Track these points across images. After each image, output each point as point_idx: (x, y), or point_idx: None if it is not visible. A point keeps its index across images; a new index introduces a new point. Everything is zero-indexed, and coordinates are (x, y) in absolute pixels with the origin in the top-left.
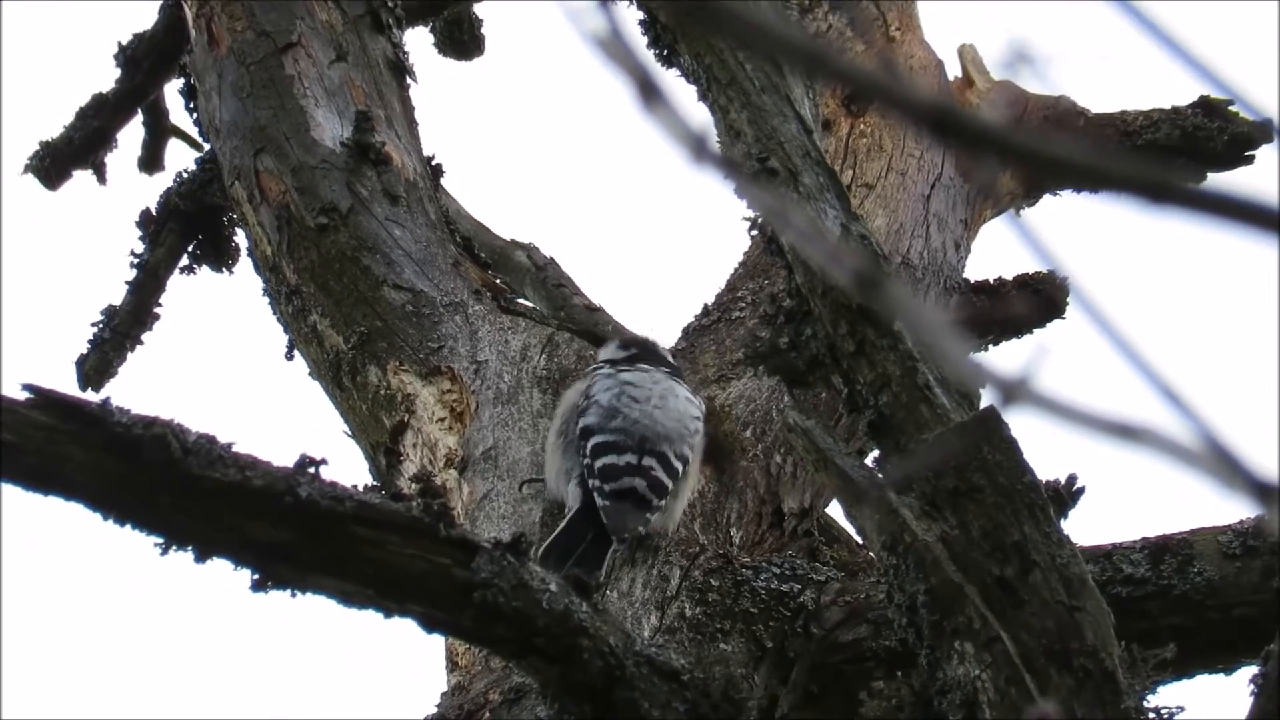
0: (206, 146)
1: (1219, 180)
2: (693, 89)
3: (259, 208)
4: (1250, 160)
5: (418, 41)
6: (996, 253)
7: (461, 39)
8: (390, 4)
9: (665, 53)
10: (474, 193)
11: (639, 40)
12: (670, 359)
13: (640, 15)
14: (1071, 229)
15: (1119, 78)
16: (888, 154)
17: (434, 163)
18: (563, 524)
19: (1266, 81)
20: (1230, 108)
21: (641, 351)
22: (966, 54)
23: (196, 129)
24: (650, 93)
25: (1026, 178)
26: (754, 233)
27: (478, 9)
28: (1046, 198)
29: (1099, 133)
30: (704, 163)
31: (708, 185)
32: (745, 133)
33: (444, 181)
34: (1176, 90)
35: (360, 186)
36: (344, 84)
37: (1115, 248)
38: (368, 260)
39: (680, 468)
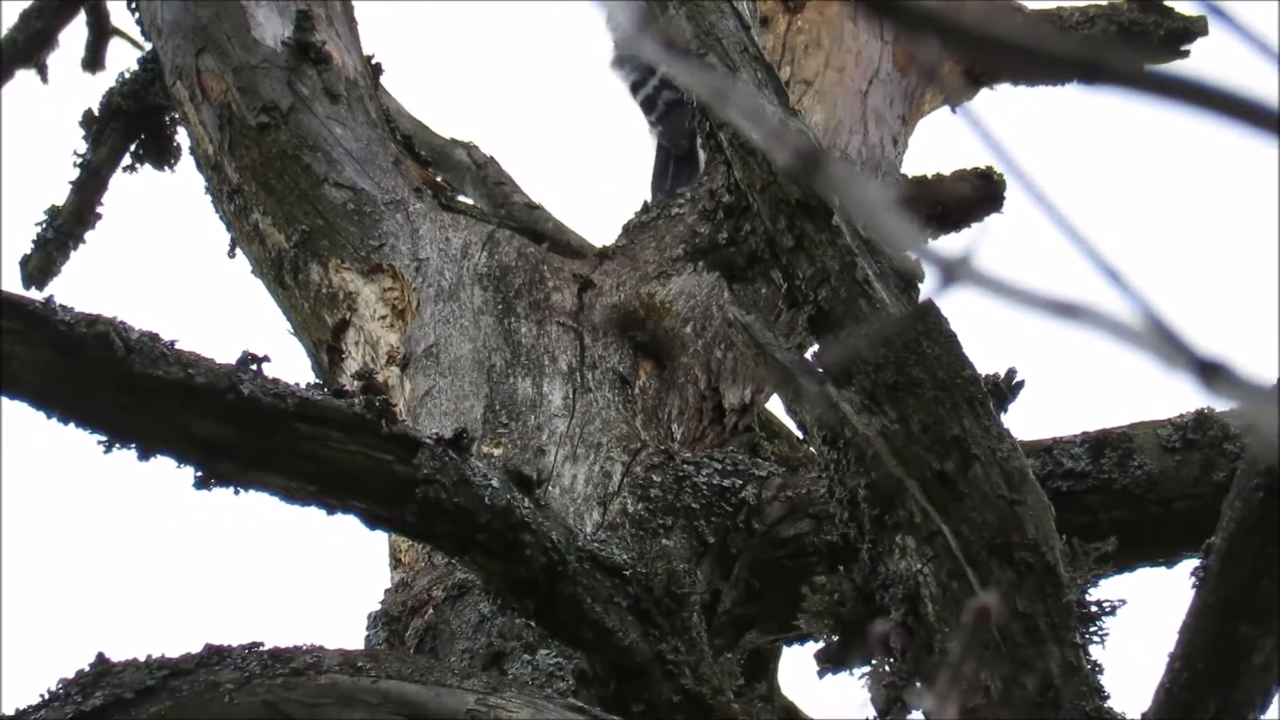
0: (148, 46)
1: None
2: None
3: (200, 107)
4: (1186, 54)
5: None
6: (935, 149)
7: None
8: None
9: None
10: (413, 91)
11: None
12: None
13: None
14: (1010, 123)
15: None
16: (825, 50)
17: (374, 61)
18: None
19: None
20: (1166, 2)
21: None
22: None
23: (139, 29)
24: None
25: (964, 69)
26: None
27: None
28: (984, 92)
29: (1035, 27)
30: (646, 40)
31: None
32: (683, 28)
33: (383, 80)
34: None
35: (301, 85)
36: None
37: (1052, 143)
38: (309, 158)
39: None
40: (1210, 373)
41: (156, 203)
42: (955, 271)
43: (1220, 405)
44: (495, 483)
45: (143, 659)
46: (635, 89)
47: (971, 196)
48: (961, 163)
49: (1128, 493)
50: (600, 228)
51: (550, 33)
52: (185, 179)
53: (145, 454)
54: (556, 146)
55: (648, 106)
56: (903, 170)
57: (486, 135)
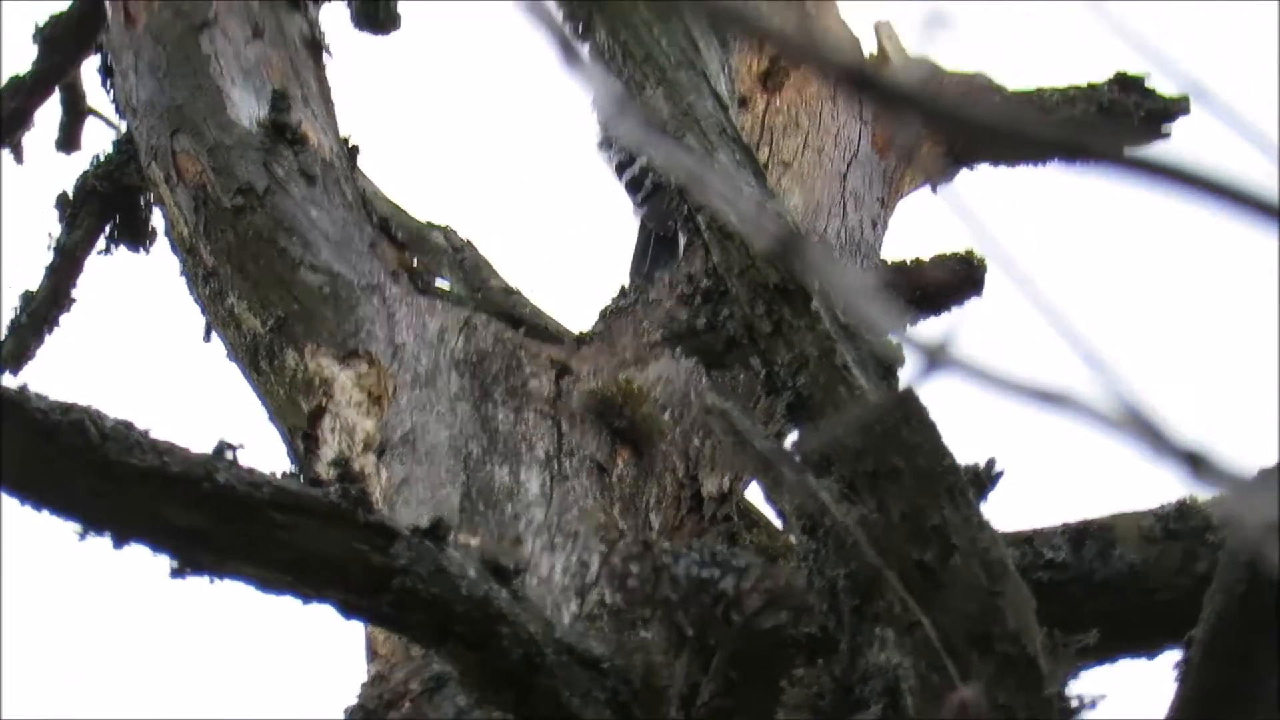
0: (123, 127)
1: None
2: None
3: (176, 188)
4: (1168, 135)
5: (333, 17)
6: (915, 231)
7: (377, 13)
8: None
9: (579, 28)
10: (391, 173)
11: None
12: None
13: None
14: (989, 206)
15: (1036, 54)
16: (804, 131)
17: (350, 143)
18: None
19: (1184, 52)
20: (1146, 82)
21: None
22: (883, 30)
23: (114, 109)
24: (572, 51)
25: (943, 154)
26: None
27: None
28: (964, 172)
29: (1015, 109)
30: (626, 121)
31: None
32: (661, 109)
33: (360, 161)
34: (1093, 66)
35: (277, 166)
36: (260, 62)
37: (1032, 225)
38: (285, 241)
39: None
40: (1192, 462)
41: (132, 285)
42: (936, 358)
43: (1202, 495)
44: (472, 573)
45: None
46: (621, 169)
47: (952, 280)
48: (942, 245)
49: (1109, 584)
50: (578, 312)
51: (531, 115)
52: (161, 261)
53: (120, 541)
54: (534, 230)
55: (633, 187)
56: (882, 253)
57: (464, 217)
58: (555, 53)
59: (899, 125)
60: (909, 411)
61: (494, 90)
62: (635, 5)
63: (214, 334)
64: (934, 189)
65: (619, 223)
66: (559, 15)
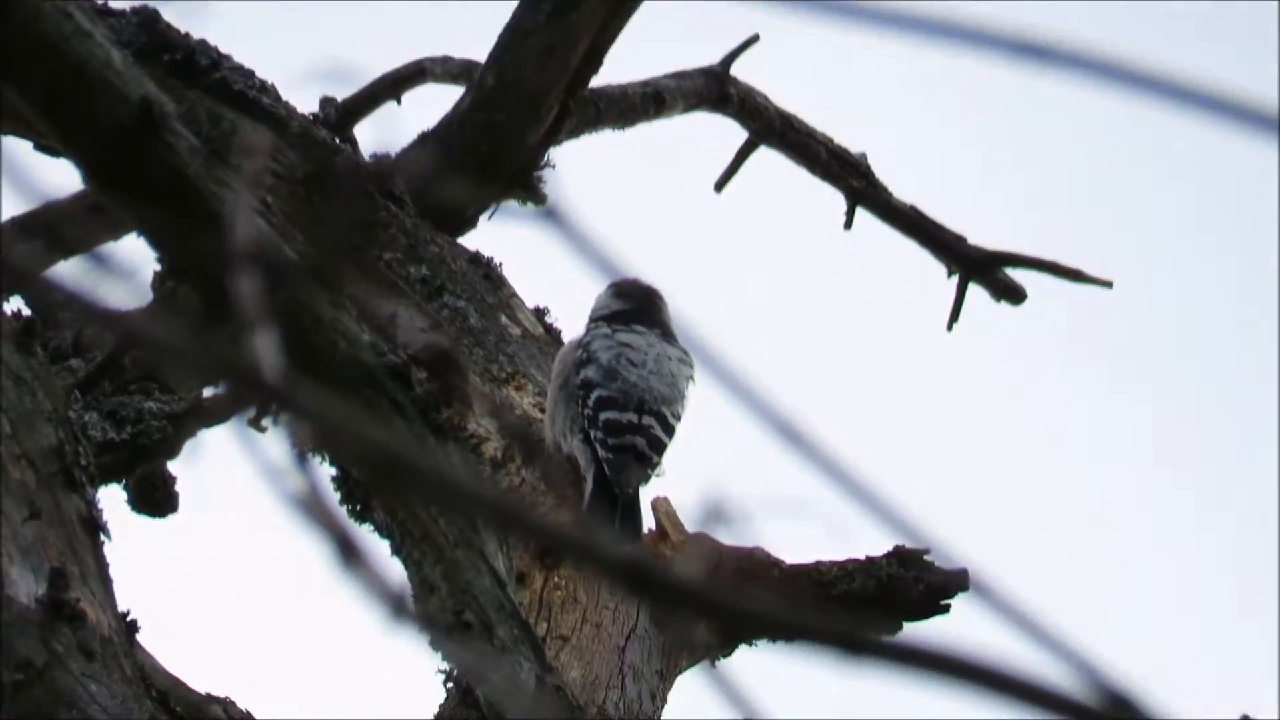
0: None
1: (915, 630)
2: (386, 544)
3: None
4: (946, 609)
5: (112, 499)
6: (694, 703)
7: (155, 496)
8: (83, 462)
9: (358, 508)
10: (170, 648)
11: (334, 496)
12: (664, 316)
13: (332, 470)
14: (769, 679)
15: (815, 532)
16: (582, 606)
17: (129, 618)
18: (590, 489)
19: (961, 528)
20: (925, 557)
21: (637, 308)
22: (660, 507)
23: None
24: (349, 551)
25: (722, 629)
26: (449, 685)
27: (171, 467)
28: (743, 648)
29: (794, 584)
30: (402, 620)
31: (404, 641)
32: (440, 587)
33: (140, 637)
34: (873, 541)
35: (55, 643)
36: (38, 541)
37: (814, 698)
38: (64, 716)
39: (675, 426)
40: None
41: None
42: None
43: None
44: None
45: None
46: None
47: None
48: (721, 717)
49: None
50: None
51: (313, 591)
52: None
53: None
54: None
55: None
56: None
57: (244, 690)
58: (331, 552)
59: (674, 616)
60: None
61: (274, 567)
62: (413, 488)
63: None
64: (712, 664)
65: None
66: (337, 513)
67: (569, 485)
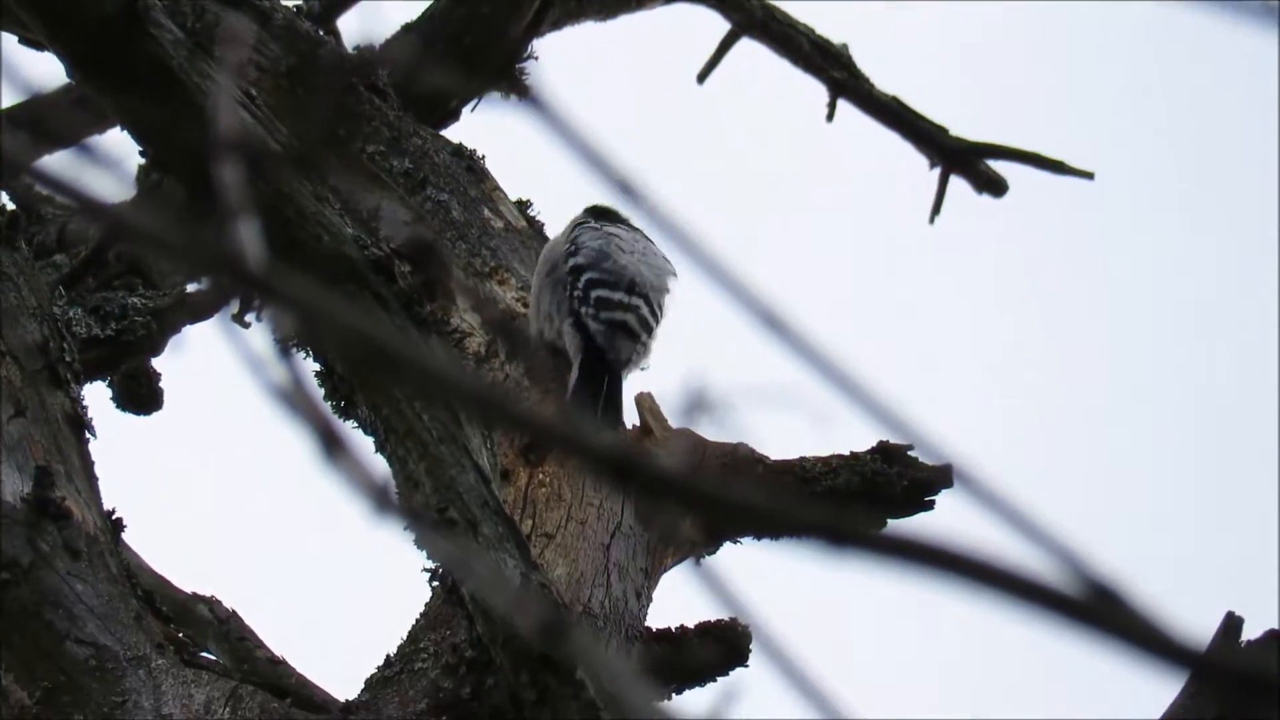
0: None
1: (899, 525)
2: (370, 440)
3: None
4: (930, 505)
5: (96, 396)
6: (679, 600)
7: (139, 393)
8: (68, 359)
9: (342, 404)
10: (155, 546)
11: (317, 391)
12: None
13: (316, 365)
14: (754, 575)
15: (798, 424)
16: (567, 503)
17: (115, 517)
18: (575, 375)
19: (947, 425)
20: (910, 453)
21: (617, 217)
22: (644, 402)
23: None
24: (333, 444)
25: (707, 525)
26: (435, 583)
27: (156, 363)
28: (728, 545)
29: (778, 479)
30: (386, 514)
31: (389, 537)
32: (424, 483)
33: (125, 535)
34: (857, 436)
35: (41, 541)
36: (23, 439)
37: (799, 593)
38: (50, 615)
39: (660, 316)
40: None
41: None
42: None
43: None
44: None
45: None
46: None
47: (715, 652)
48: (707, 613)
49: None
50: (346, 681)
51: (297, 486)
52: None
53: None
54: (301, 600)
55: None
56: (647, 622)
57: (230, 589)
58: (315, 445)
59: (659, 510)
60: None
61: (259, 462)
62: (397, 380)
63: None
64: (697, 562)
65: (384, 593)
66: (320, 406)
67: (552, 380)
